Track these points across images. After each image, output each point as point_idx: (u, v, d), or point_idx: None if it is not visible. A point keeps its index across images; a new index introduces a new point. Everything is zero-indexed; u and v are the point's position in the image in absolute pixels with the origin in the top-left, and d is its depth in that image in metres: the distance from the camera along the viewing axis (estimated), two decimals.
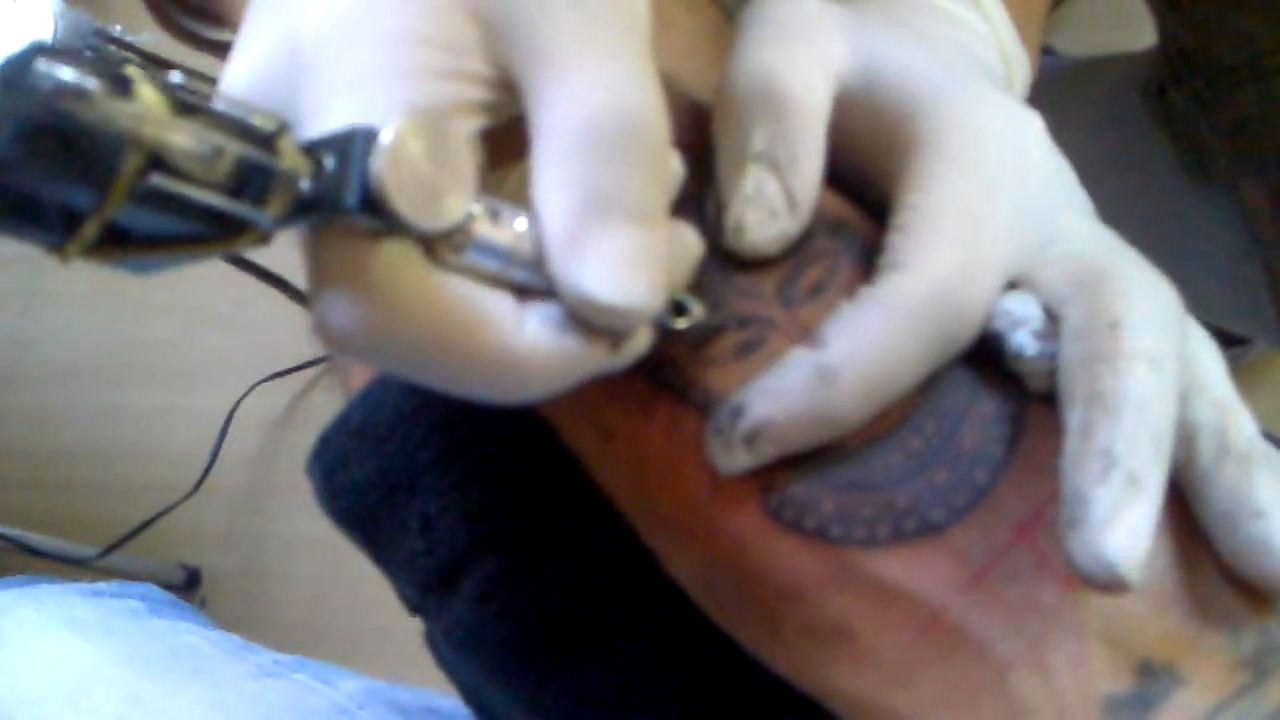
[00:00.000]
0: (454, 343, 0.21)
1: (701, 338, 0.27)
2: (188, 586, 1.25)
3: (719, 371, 0.27)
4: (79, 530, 1.20)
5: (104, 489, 1.32)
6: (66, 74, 0.17)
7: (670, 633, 0.29)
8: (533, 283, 0.22)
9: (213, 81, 0.23)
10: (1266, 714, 0.24)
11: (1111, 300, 0.24)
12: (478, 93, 0.23)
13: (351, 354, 0.22)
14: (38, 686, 0.49)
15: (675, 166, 0.24)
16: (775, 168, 0.27)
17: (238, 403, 1.29)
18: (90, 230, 0.18)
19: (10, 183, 0.17)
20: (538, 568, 0.30)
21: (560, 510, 0.30)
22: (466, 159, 0.21)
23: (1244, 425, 0.25)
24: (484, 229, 0.22)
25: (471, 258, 0.22)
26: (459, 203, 0.21)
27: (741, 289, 0.27)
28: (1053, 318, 0.25)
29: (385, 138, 0.20)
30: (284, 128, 0.20)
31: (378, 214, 0.20)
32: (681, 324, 0.26)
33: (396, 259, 0.21)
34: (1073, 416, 0.24)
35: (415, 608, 0.33)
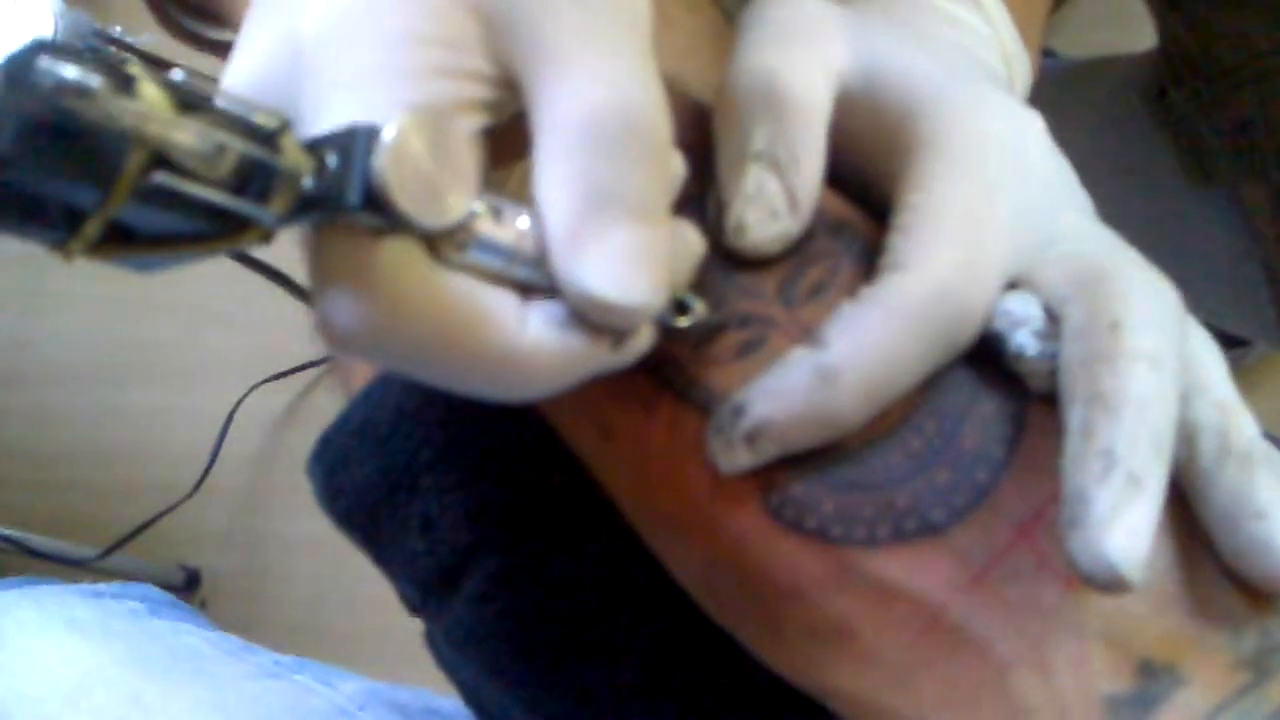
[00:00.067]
0: (457, 340, 0.21)
1: (703, 337, 0.27)
2: (188, 587, 1.25)
3: (720, 370, 0.27)
4: (79, 531, 1.20)
5: (104, 490, 1.32)
6: (70, 71, 0.17)
7: (670, 632, 0.29)
8: (535, 281, 0.22)
9: (214, 82, 0.23)
10: (1267, 714, 0.24)
11: (1112, 300, 0.24)
12: (479, 91, 0.23)
13: (354, 352, 0.22)
14: (38, 687, 0.49)
15: (677, 166, 0.24)
16: (776, 167, 0.27)
17: (238, 403, 1.29)
18: (93, 228, 0.18)
19: (13, 180, 0.17)
20: (538, 568, 0.30)
21: (561, 510, 0.30)
22: (468, 156, 0.21)
23: (1245, 426, 0.25)
24: (486, 227, 0.22)
25: (474, 256, 0.22)
26: (461, 200, 0.21)
27: (743, 288, 0.27)
28: (1053, 318, 0.25)
29: (387, 135, 0.20)
30: (286, 125, 0.20)
31: (380, 212, 0.20)
32: (684, 322, 0.26)
33: (399, 257, 0.21)
34: (1073, 416, 0.24)
35: (416, 608, 0.33)
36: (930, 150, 0.26)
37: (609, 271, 0.21)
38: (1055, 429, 0.24)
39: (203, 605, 1.26)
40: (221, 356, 1.34)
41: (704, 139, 0.28)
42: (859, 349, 0.24)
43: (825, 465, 0.26)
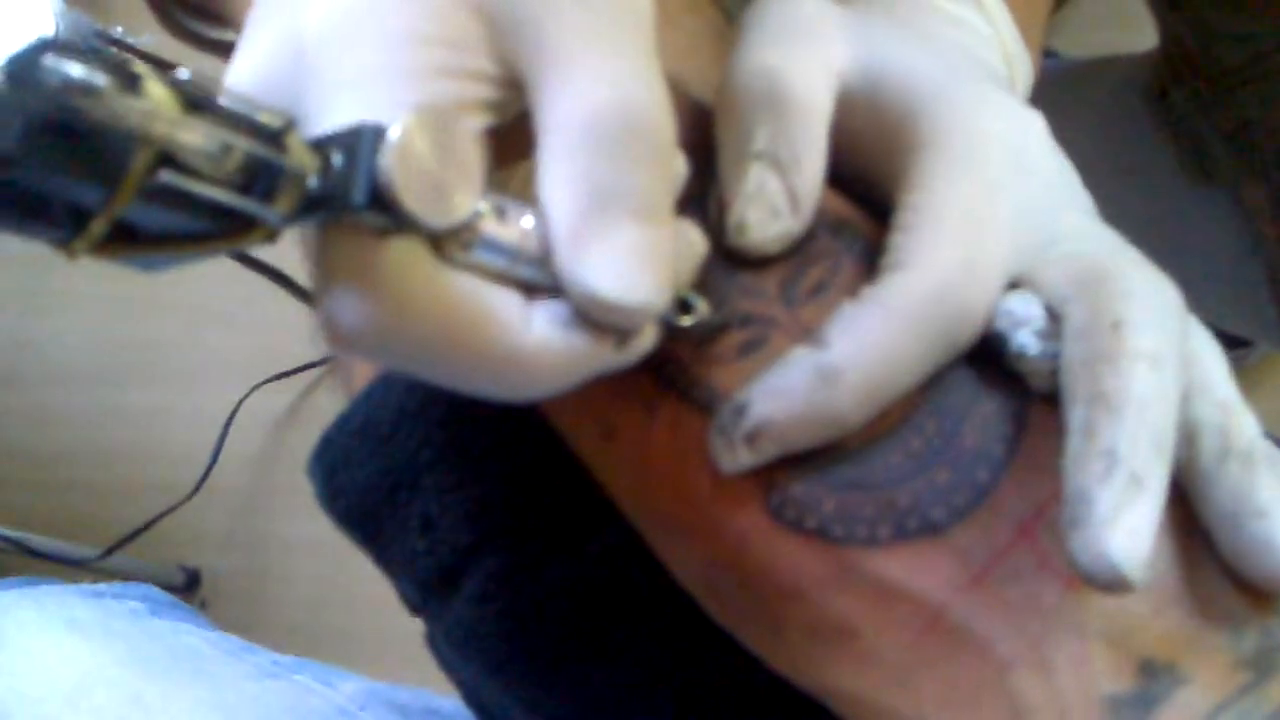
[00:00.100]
0: (461, 340, 0.21)
1: (705, 336, 0.27)
2: (188, 588, 1.25)
3: (721, 370, 0.27)
4: (79, 531, 1.20)
5: (104, 490, 1.32)
6: (76, 70, 0.17)
7: (671, 632, 0.29)
8: (539, 280, 0.22)
9: (218, 82, 0.23)
10: (1268, 713, 0.24)
11: (1113, 300, 0.24)
12: (482, 91, 0.23)
13: (359, 352, 0.22)
14: (38, 687, 0.49)
15: (679, 165, 0.24)
16: (777, 166, 0.27)
17: (239, 404, 1.29)
18: (98, 227, 0.18)
19: (18, 179, 0.17)
20: (539, 567, 0.30)
21: (561, 510, 0.30)
22: (473, 156, 0.21)
23: (1246, 425, 0.25)
24: (491, 226, 0.22)
25: (478, 255, 0.22)
26: (467, 200, 0.21)
27: (744, 288, 0.27)
28: (1055, 317, 0.25)
29: (393, 134, 0.20)
30: (291, 124, 0.20)
31: (385, 211, 0.20)
32: (687, 322, 0.26)
33: (404, 256, 0.21)
34: (1075, 416, 0.24)
35: (416, 608, 0.33)
36: (931, 150, 0.26)
37: (613, 271, 0.22)
38: (1056, 429, 0.24)
39: (203, 605, 1.26)
40: (222, 357, 1.34)
41: (705, 139, 0.28)
42: (860, 349, 0.24)
43: (826, 465, 0.26)
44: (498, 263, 0.22)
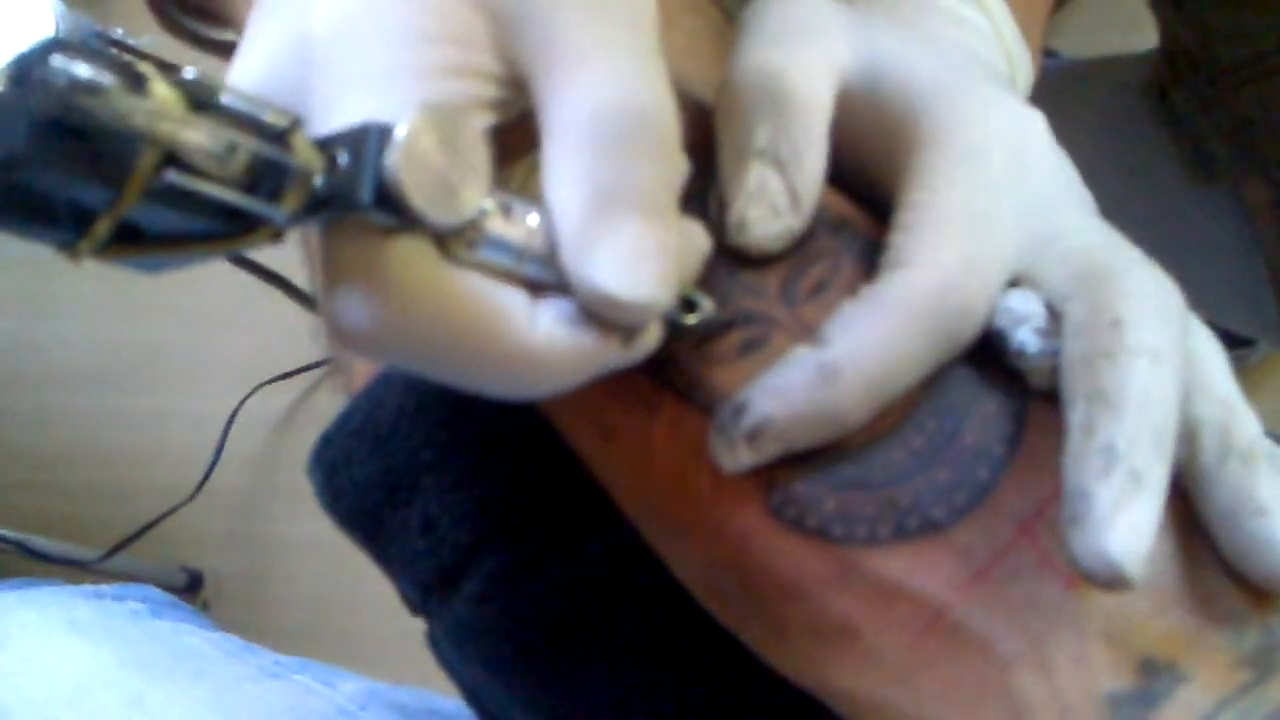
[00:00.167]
0: (467, 338, 0.21)
1: (708, 335, 0.27)
2: (190, 589, 1.25)
3: (722, 369, 0.27)
4: (81, 533, 1.20)
5: (106, 491, 1.32)
6: (82, 70, 0.17)
7: (671, 632, 0.29)
8: (545, 278, 0.22)
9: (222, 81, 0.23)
10: (1269, 712, 0.24)
11: (1113, 297, 0.24)
12: (487, 89, 0.23)
13: (365, 351, 0.22)
14: (39, 688, 0.49)
15: (681, 164, 0.24)
16: (778, 164, 0.27)
17: (240, 405, 1.29)
18: (103, 228, 0.18)
19: (22, 179, 0.17)
20: (539, 567, 0.30)
21: (562, 510, 0.30)
22: (480, 153, 0.21)
23: (1247, 423, 0.25)
24: (497, 225, 0.22)
25: (484, 254, 0.21)
26: (474, 197, 0.21)
27: (745, 286, 0.27)
28: (1055, 315, 0.25)
29: (400, 133, 0.20)
30: (297, 124, 0.20)
31: (392, 209, 0.20)
32: (692, 320, 0.26)
33: (410, 255, 0.20)
34: (1075, 413, 0.24)
35: (416, 608, 0.33)
36: (932, 148, 0.26)
37: (619, 268, 0.21)
38: (1057, 427, 0.24)
39: (205, 607, 1.26)
40: (223, 359, 1.34)
41: (705, 138, 0.28)
42: (860, 347, 0.24)
43: (827, 464, 0.26)
44: (503, 261, 0.22)
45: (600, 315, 0.22)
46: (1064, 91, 0.69)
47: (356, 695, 0.54)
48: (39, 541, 1.11)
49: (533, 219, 0.22)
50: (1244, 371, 1.08)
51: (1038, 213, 0.27)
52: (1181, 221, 0.63)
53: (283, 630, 1.24)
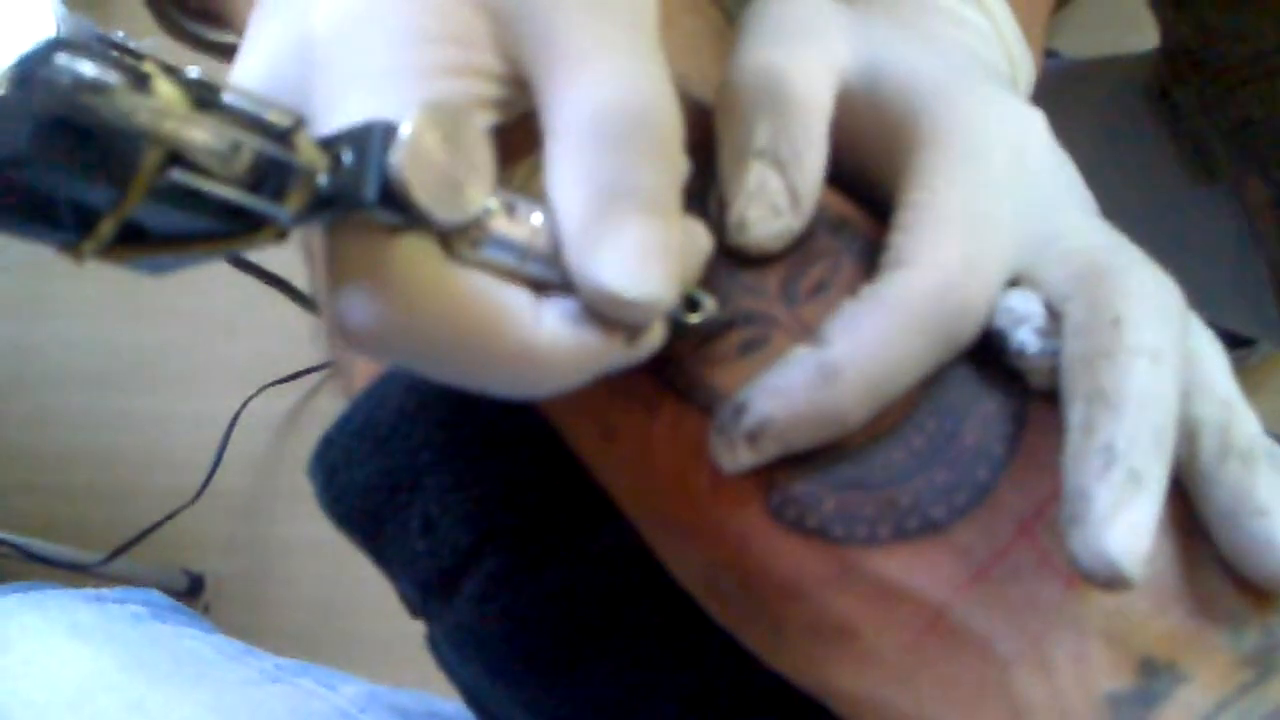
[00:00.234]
0: (472, 337, 0.21)
1: (710, 334, 0.27)
2: (191, 592, 1.25)
3: (722, 369, 0.27)
4: (82, 536, 1.20)
5: (107, 494, 1.32)
6: (86, 68, 0.17)
7: (672, 633, 0.29)
8: (548, 277, 0.22)
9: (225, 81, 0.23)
10: (1269, 712, 0.24)
11: (1113, 297, 0.24)
12: (489, 88, 0.23)
13: (369, 350, 0.22)
14: (40, 692, 0.49)
15: (684, 163, 0.24)
16: (778, 164, 0.27)
17: (241, 408, 1.29)
18: (107, 228, 0.18)
19: (26, 179, 0.17)
20: (539, 568, 0.30)
21: (562, 510, 0.30)
22: (484, 151, 0.21)
23: (1247, 423, 0.25)
24: (501, 224, 0.22)
25: (488, 253, 0.21)
26: (479, 195, 0.21)
27: (745, 286, 0.27)
28: (1055, 315, 0.25)
29: (404, 131, 0.20)
30: (300, 123, 0.20)
31: (397, 208, 0.20)
32: (695, 319, 0.25)
33: (414, 254, 0.20)
34: (1074, 413, 0.24)
35: (417, 609, 0.33)
36: (932, 148, 0.26)
37: (623, 266, 0.21)
38: (1056, 426, 0.24)
39: (206, 610, 1.27)
40: (224, 361, 1.34)
41: (705, 138, 0.28)
42: (860, 347, 0.24)
43: (827, 464, 0.26)
44: (507, 260, 0.22)
45: (604, 314, 0.22)
46: (1064, 91, 0.69)
47: (357, 698, 0.54)
48: (40, 545, 1.11)
49: (536, 218, 0.22)
50: (1244, 371, 1.08)
51: (1038, 212, 0.26)
52: (1181, 221, 0.63)
53: (284, 632, 1.24)
